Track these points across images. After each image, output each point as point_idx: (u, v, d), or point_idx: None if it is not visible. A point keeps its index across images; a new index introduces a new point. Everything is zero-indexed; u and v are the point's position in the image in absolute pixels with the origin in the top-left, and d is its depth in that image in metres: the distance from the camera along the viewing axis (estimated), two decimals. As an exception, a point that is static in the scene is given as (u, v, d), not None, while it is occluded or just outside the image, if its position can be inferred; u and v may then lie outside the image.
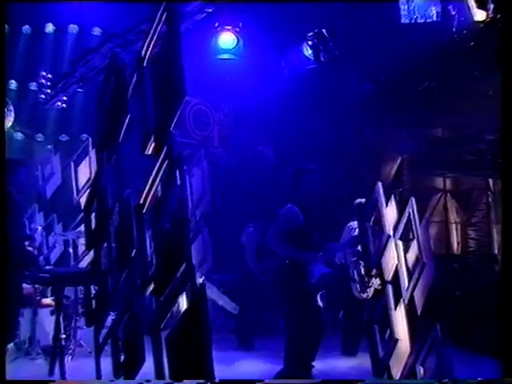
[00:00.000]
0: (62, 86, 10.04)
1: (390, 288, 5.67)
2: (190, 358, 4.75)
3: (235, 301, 10.04)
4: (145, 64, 6.14)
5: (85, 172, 9.93)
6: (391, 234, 5.76)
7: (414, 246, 5.85)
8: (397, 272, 5.73)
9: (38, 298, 8.40)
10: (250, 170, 11.96)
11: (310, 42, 10.45)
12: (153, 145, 5.91)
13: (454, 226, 13.88)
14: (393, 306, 5.65)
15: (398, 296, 5.73)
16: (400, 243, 5.78)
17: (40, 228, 9.70)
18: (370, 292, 8.12)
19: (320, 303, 6.66)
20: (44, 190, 10.17)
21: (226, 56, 11.81)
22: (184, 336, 4.91)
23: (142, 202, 5.96)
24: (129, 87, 6.35)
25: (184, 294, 5.66)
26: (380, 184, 5.79)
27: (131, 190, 6.34)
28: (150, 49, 6.11)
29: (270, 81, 11.81)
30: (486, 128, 11.04)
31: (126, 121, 6.42)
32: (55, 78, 10.81)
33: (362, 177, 13.07)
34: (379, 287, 7.89)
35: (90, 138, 10.03)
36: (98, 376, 5.78)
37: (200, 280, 9.98)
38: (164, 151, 5.75)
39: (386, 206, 5.83)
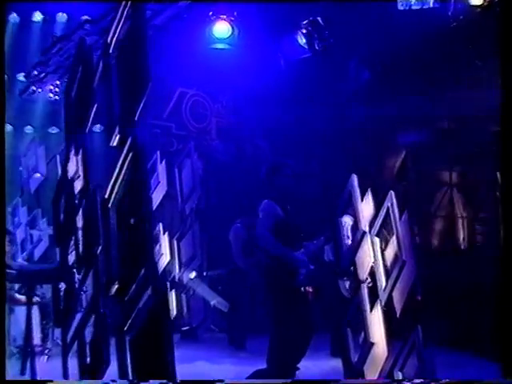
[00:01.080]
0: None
1: (364, 288, 5.29)
2: (152, 358, 4.68)
3: (227, 298, 9.74)
4: (110, 51, 5.84)
5: (71, 165, 9.60)
6: (367, 230, 5.38)
7: (393, 243, 5.47)
8: (373, 271, 5.34)
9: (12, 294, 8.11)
10: (248, 163, 11.61)
11: (304, 31, 10.06)
12: (117, 136, 5.60)
13: (460, 220, 13.45)
14: (368, 307, 5.28)
15: (374, 297, 5.34)
16: (377, 240, 5.41)
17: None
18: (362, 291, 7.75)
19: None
20: (28, 183, 9.88)
21: (220, 46, 11.46)
22: (146, 336, 4.78)
23: (107, 196, 5.67)
24: (95, 75, 6.06)
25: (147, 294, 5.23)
26: (355, 177, 5.41)
27: (98, 184, 6.05)
28: (115, 36, 5.81)
29: (266, 71, 11.44)
30: (493, 119, 10.62)
31: (93, 111, 6.11)
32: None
33: (365, 170, 12.66)
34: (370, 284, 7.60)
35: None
36: (66, 377, 5.60)
37: (192, 276, 9.73)
38: (128, 143, 5.43)
39: (362, 200, 5.45)
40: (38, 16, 11.20)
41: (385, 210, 5.43)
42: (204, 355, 8.53)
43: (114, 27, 5.78)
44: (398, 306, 5.38)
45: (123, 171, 5.56)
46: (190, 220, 9.65)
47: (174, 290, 9.56)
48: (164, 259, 9.56)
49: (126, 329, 5.06)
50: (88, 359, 5.38)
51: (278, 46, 11.08)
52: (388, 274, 5.41)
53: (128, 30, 5.68)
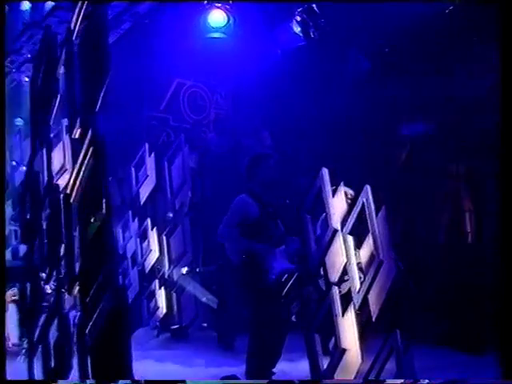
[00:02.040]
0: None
1: (335, 291, 4.92)
2: (111, 358, 4.57)
3: (218, 296, 9.41)
4: (74, 38, 5.54)
5: (58, 158, 9.30)
6: (339, 227, 5.01)
7: (369, 241, 5.09)
8: (346, 272, 4.97)
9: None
10: (244, 155, 11.22)
11: (298, 18, 9.66)
12: (79, 129, 5.31)
13: (467, 214, 12.98)
14: (340, 311, 4.91)
15: (348, 300, 4.96)
16: (350, 238, 5.03)
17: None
18: (344, 289, 7.38)
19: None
20: (12, 177, 9.60)
21: (216, 35, 11.11)
22: (105, 337, 4.63)
23: (69, 191, 5.39)
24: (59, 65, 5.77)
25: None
26: (326, 170, 5.03)
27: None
28: (78, 22, 5.51)
29: (263, 61, 11.06)
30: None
31: (57, 102, 5.82)
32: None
33: (371, 163, 12.25)
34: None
35: (63, 121, 9.40)
36: (31, 377, 5.44)
37: (183, 271, 9.41)
38: (89, 136, 5.13)
39: (334, 195, 5.07)
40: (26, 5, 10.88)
41: (359, 206, 5.04)
42: (195, 354, 8.21)
43: (76, 13, 5.48)
44: (374, 309, 5.00)
45: (84, 165, 5.27)
46: (180, 215, 9.29)
47: (163, 288, 9.23)
48: (153, 256, 9.24)
49: (87, 331, 4.85)
50: (52, 360, 5.23)
51: (273, 34, 10.69)
52: (363, 274, 5.02)
53: (90, 17, 5.38)
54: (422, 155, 11.92)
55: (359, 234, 5.15)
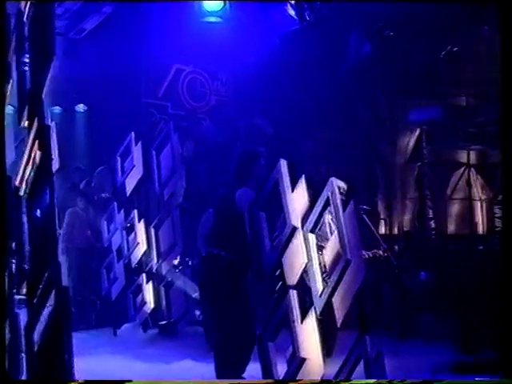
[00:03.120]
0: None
1: (294, 294, 4.44)
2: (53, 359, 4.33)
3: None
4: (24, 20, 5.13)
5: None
6: (298, 225, 4.53)
7: (334, 239, 4.61)
8: (306, 274, 4.49)
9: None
10: (243, 144, 10.77)
11: (292, 1, 9.16)
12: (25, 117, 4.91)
13: (478, 203, 12.42)
14: (298, 317, 4.43)
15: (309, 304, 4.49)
16: (311, 237, 4.54)
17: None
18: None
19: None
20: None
21: (212, 19, 10.70)
22: (47, 337, 4.36)
23: (17, 183, 5.00)
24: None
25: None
26: (284, 162, 4.55)
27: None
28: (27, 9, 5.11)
29: (260, 46, 10.62)
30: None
31: (8, 88, 5.41)
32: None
33: (380, 152, 11.78)
34: None
35: (48, 111, 8.99)
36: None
37: (175, 262, 9.00)
38: (35, 125, 4.72)
39: (293, 189, 4.59)
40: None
41: (323, 201, 4.56)
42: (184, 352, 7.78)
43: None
44: (339, 313, 4.52)
45: (32, 156, 4.87)
46: (169, 206, 8.84)
47: (151, 282, 8.81)
48: (140, 249, 8.81)
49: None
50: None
51: (269, 17, 10.23)
52: (327, 276, 4.54)
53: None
54: (430, 142, 11.41)
55: (324, 231, 4.66)
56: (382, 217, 11.76)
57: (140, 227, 8.83)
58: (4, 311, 6.27)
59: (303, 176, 4.56)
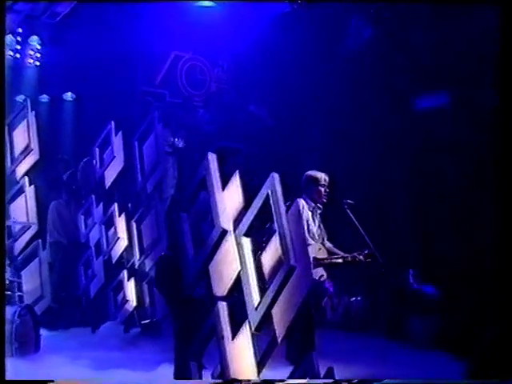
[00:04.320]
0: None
1: (223, 307, 3.79)
2: None
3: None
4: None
5: (22, 137, 8.36)
6: (230, 227, 3.87)
7: (274, 243, 3.94)
8: (239, 282, 3.84)
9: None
10: (239, 133, 10.11)
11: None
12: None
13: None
14: (229, 332, 3.78)
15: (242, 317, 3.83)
16: (246, 241, 3.88)
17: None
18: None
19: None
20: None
21: (206, 4, 10.05)
22: None
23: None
24: None
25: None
26: (213, 156, 3.88)
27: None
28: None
29: (256, 30, 9.95)
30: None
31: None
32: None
33: (389, 141, 10.97)
34: (321, 279, 6.09)
35: (28, 100, 8.46)
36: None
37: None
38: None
39: (224, 187, 3.93)
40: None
41: (261, 200, 3.89)
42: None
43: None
44: (279, 328, 3.86)
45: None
46: (152, 199, 8.24)
47: (133, 279, 8.23)
48: (121, 244, 8.23)
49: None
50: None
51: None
52: (264, 285, 3.88)
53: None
54: (436, 130, 10.61)
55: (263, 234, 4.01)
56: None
57: (121, 221, 8.25)
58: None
59: (237, 172, 3.90)
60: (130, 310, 8.20)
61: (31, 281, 8.11)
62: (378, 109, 10.12)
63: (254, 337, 3.82)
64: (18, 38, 10.29)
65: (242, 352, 3.77)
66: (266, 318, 3.87)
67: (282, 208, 3.96)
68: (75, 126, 10.12)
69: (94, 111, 9.68)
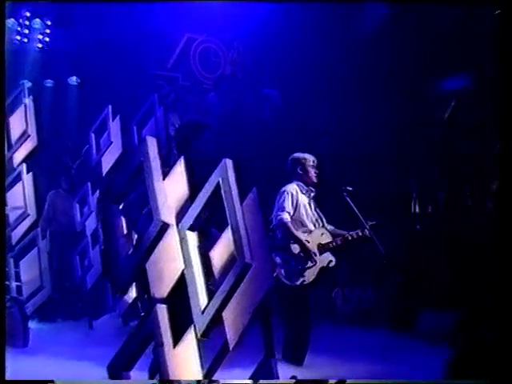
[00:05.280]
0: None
1: (163, 310, 3.31)
2: None
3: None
4: None
5: (19, 123, 7.99)
6: (172, 220, 3.38)
7: (226, 238, 3.46)
8: (182, 282, 3.36)
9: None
10: (250, 117, 9.63)
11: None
12: None
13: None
14: (169, 339, 3.31)
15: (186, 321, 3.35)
16: (191, 236, 3.40)
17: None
18: (309, 276, 5.75)
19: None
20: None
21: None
22: None
23: None
24: None
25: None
26: (153, 140, 3.39)
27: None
28: None
29: (271, 12, 9.47)
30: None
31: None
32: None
33: (401, 125, 10.36)
34: (330, 265, 5.63)
35: (25, 84, 8.08)
36: None
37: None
38: None
39: (166, 176, 3.44)
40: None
41: (211, 189, 3.40)
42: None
43: None
44: (231, 333, 3.38)
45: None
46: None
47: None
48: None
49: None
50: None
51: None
52: (214, 285, 3.40)
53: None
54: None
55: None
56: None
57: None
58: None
59: (182, 158, 3.41)
60: (130, 301, 7.77)
61: (30, 271, 7.79)
62: (394, 93, 9.55)
63: (201, 343, 3.33)
64: (26, 22, 9.98)
65: (185, 361, 3.29)
66: (215, 322, 3.37)
67: (236, 198, 3.47)
68: (80, 112, 9.74)
69: (98, 96, 9.27)
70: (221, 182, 3.44)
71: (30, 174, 7.84)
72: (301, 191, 5.89)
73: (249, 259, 3.47)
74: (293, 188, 5.87)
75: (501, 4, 5.89)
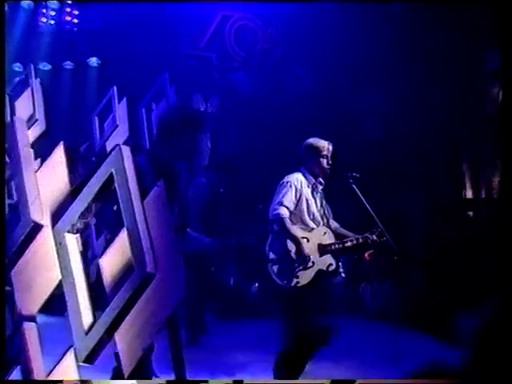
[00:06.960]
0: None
1: (31, 329, 2.69)
2: None
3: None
4: None
5: (26, 108, 7.53)
6: (46, 221, 2.75)
7: (120, 242, 2.81)
8: (61, 297, 2.73)
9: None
10: (281, 98, 8.92)
11: None
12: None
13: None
14: (40, 364, 2.68)
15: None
16: (71, 240, 2.76)
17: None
18: (303, 278, 5.03)
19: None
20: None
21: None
22: None
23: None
24: None
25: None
26: (22, 121, 2.73)
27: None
28: None
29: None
30: None
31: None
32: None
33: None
34: (329, 268, 4.96)
35: (32, 65, 7.60)
36: None
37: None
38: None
39: (38, 170, 2.81)
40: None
41: (100, 183, 2.75)
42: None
43: None
44: (126, 359, 2.74)
45: None
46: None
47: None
48: (125, 223, 7.25)
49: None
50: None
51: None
52: (104, 300, 2.76)
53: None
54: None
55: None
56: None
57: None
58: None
59: (61, 143, 2.76)
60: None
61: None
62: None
63: (81, 370, 2.69)
64: (53, 5, 9.56)
65: (62, 390, 2.66)
66: (103, 344, 2.72)
67: (135, 193, 2.80)
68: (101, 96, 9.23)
69: (119, 78, 8.74)
70: (114, 173, 2.77)
71: (38, 160, 7.39)
72: (306, 183, 5.13)
73: (151, 269, 2.80)
74: (297, 179, 5.09)
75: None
